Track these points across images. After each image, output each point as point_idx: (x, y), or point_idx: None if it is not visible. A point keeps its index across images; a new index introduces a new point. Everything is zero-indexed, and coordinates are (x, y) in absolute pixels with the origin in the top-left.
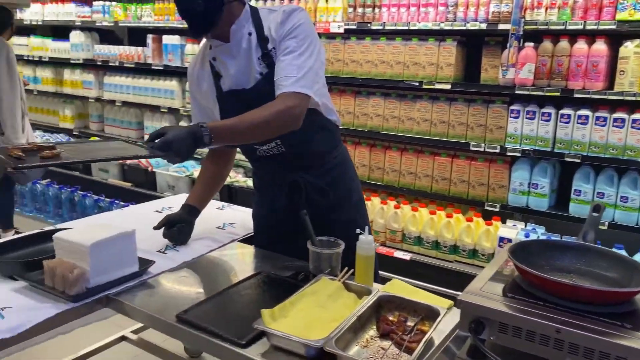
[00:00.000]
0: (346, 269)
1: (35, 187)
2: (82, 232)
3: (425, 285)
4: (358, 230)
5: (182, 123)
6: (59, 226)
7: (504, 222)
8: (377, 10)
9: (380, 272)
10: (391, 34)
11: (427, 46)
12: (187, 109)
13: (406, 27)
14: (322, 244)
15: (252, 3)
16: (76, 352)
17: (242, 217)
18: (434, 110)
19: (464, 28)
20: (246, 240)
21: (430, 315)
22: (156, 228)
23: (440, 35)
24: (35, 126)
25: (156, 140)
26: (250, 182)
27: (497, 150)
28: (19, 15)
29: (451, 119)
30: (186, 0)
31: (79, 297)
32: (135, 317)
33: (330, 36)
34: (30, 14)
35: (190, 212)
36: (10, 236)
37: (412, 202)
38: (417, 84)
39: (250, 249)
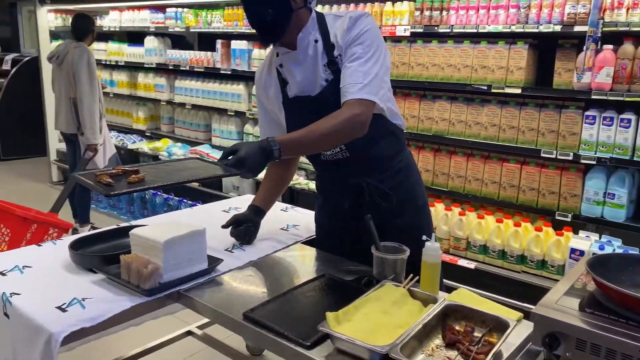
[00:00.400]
0: (411, 275)
1: None
2: (156, 229)
3: (490, 295)
4: (424, 237)
5: (248, 126)
6: (133, 223)
7: (575, 232)
8: (444, 13)
9: (443, 280)
10: (459, 37)
11: (497, 49)
12: (253, 112)
13: (475, 30)
14: (387, 249)
15: (319, 8)
16: (146, 344)
17: (305, 219)
18: (503, 115)
19: (536, 30)
20: (308, 242)
21: (498, 327)
22: (224, 227)
23: (510, 38)
24: (111, 127)
25: (229, 158)
26: (312, 185)
27: (570, 158)
28: (98, 22)
29: (521, 124)
30: (256, 10)
31: (153, 291)
32: (203, 313)
33: (396, 39)
34: (108, 21)
35: (257, 212)
36: (86, 230)
37: (478, 209)
38: (485, 87)
39: (313, 251)
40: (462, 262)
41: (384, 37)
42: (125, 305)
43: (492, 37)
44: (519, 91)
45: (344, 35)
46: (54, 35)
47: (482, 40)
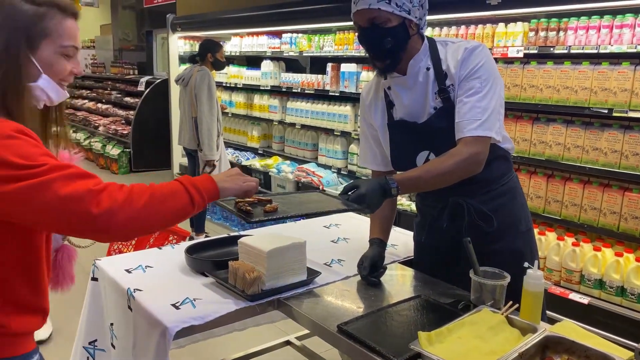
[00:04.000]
0: (510, 302)
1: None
2: (261, 239)
3: (604, 334)
4: (526, 264)
5: (353, 145)
6: (242, 233)
7: None
8: (561, 33)
9: (551, 313)
10: (577, 58)
11: (620, 70)
12: (358, 133)
13: (595, 51)
14: (486, 274)
15: (429, 30)
16: (247, 349)
17: (404, 240)
18: (626, 140)
19: None
20: (406, 262)
21: None
22: (366, 277)
23: (636, 58)
24: (228, 144)
25: (349, 193)
26: (414, 206)
27: None
28: None
29: None
30: (376, 39)
31: (255, 297)
32: (300, 322)
33: (508, 61)
34: (230, 46)
35: (382, 245)
36: (201, 239)
37: (594, 240)
38: (605, 111)
39: (410, 272)
40: (574, 296)
41: (496, 59)
42: (230, 307)
43: (614, 58)
44: None
45: (458, 66)
46: (182, 59)
47: (603, 61)
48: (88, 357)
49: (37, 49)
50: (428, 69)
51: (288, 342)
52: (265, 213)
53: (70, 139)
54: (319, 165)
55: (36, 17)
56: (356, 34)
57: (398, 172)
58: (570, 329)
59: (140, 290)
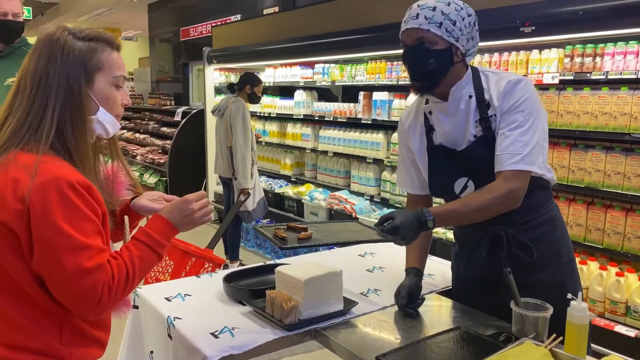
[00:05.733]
0: (554, 335)
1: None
2: (298, 268)
3: None
4: (569, 296)
5: (385, 173)
6: (278, 261)
7: None
8: (598, 59)
9: (596, 346)
10: (615, 84)
11: None
12: (391, 160)
13: (634, 76)
14: (528, 305)
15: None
16: None
17: (441, 269)
18: None
19: None
20: (444, 293)
21: None
22: (402, 306)
23: None
24: (261, 172)
25: (385, 224)
26: (450, 234)
27: None
28: None
29: None
30: (420, 59)
31: (292, 326)
32: (337, 352)
33: (543, 87)
34: (264, 77)
35: (418, 274)
36: (236, 266)
37: None
38: None
39: (448, 302)
40: (620, 329)
41: None
42: (268, 337)
43: None
44: None
45: (501, 99)
46: (218, 90)
47: None
48: None
49: (93, 82)
50: (470, 96)
51: None
52: (299, 240)
53: (132, 174)
54: (352, 192)
55: (89, 51)
56: (387, 63)
57: (435, 205)
58: None
59: (179, 319)
